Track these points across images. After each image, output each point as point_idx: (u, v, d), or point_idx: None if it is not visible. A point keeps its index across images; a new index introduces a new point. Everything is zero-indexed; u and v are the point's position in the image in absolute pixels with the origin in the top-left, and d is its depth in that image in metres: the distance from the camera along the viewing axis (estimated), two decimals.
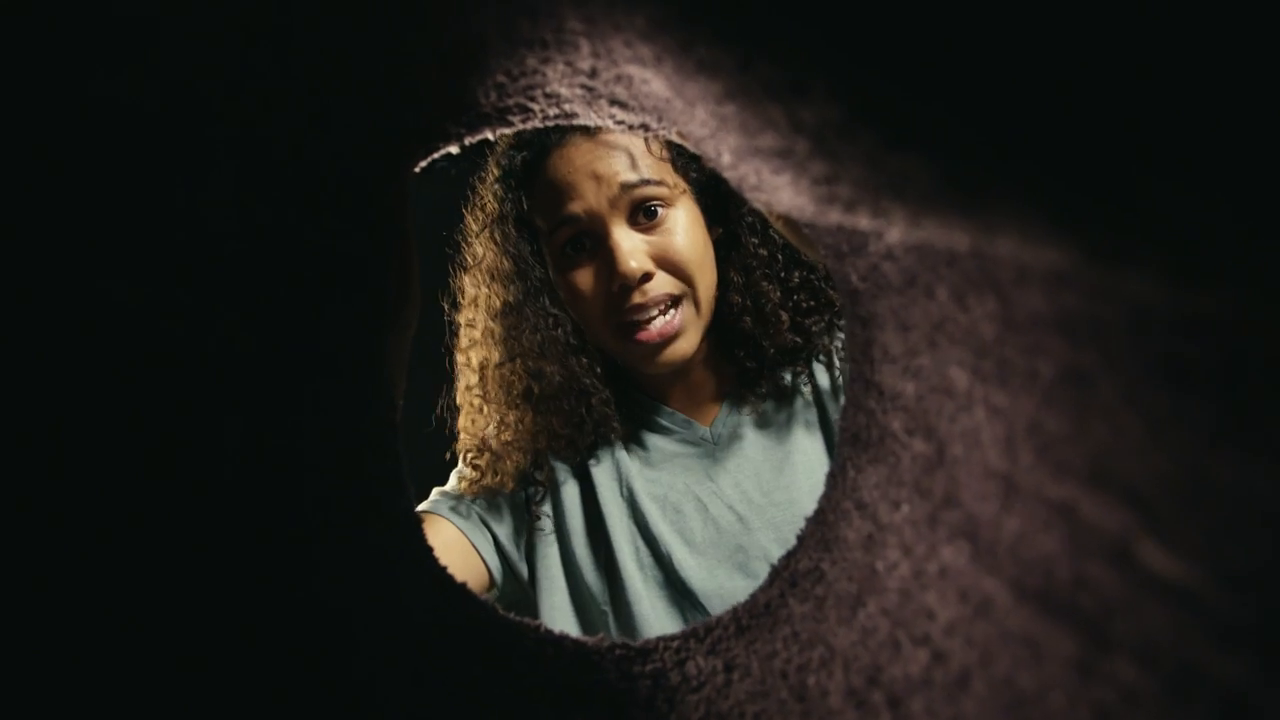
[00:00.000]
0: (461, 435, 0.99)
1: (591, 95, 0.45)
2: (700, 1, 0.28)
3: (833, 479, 0.47)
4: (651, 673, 0.46)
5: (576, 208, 0.87)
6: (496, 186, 0.95)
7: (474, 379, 0.97)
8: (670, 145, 0.90)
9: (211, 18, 0.29)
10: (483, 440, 0.96)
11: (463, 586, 0.50)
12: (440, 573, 0.50)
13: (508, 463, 0.95)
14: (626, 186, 0.86)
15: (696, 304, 0.90)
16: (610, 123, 0.50)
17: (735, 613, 0.47)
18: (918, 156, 0.27)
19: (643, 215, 0.88)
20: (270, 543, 0.35)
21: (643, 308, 0.87)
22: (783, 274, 0.94)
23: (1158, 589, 0.23)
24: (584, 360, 0.94)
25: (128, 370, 0.29)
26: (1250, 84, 0.18)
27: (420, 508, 0.96)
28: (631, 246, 0.86)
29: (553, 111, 0.48)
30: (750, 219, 0.94)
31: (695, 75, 0.34)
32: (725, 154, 0.41)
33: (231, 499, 0.33)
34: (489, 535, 0.94)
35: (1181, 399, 0.23)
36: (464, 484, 0.98)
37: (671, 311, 0.88)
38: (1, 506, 0.26)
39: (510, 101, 0.45)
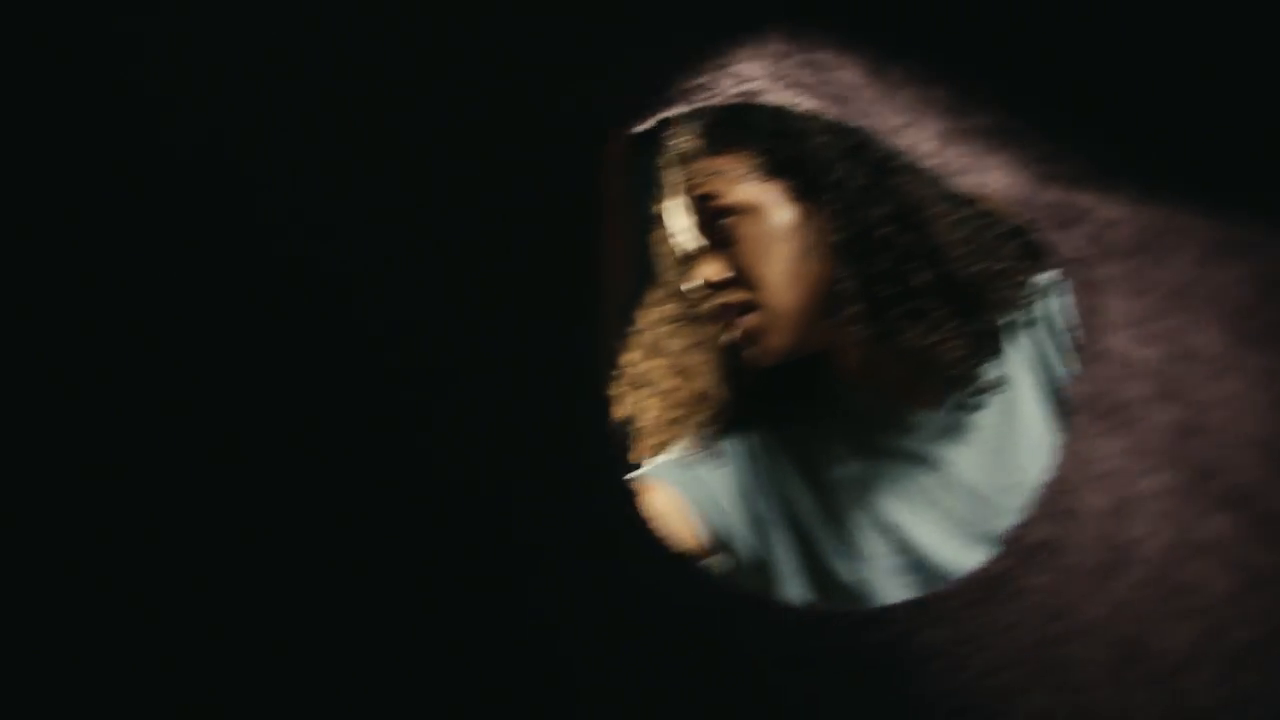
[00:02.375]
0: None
1: (776, 76, 0.46)
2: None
3: (1064, 449, 0.46)
4: (882, 642, 0.47)
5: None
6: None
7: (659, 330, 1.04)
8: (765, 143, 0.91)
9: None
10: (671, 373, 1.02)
11: (683, 555, 0.51)
12: (661, 541, 0.51)
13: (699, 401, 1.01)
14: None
15: (766, 307, 0.89)
16: (790, 105, 0.50)
17: (966, 584, 0.47)
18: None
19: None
20: (493, 520, 0.37)
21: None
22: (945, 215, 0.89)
23: None
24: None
25: (359, 353, 0.32)
26: None
27: (641, 472, 0.99)
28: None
29: (735, 90, 0.49)
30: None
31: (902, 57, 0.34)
32: (927, 140, 0.41)
33: (452, 478, 0.35)
34: (714, 503, 0.97)
35: None
36: (673, 435, 1.03)
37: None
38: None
39: (698, 80, 0.46)
